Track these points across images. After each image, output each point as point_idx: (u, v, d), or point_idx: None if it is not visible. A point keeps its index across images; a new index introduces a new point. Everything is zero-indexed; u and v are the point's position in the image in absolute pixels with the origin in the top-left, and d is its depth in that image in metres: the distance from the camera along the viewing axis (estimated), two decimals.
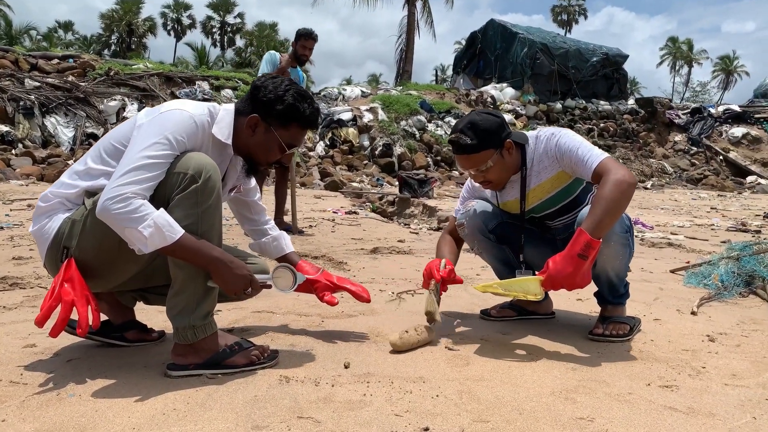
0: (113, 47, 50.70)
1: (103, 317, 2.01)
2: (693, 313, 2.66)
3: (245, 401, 1.51)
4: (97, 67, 13.84)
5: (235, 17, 56.69)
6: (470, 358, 1.92)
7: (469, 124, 2.09)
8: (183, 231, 1.57)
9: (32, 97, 11.72)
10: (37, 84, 12.25)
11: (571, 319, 2.52)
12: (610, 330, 2.17)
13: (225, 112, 1.81)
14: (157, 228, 1.52)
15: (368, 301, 2.14)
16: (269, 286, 1.82)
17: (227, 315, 2.38)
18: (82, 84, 12.84)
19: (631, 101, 22.77)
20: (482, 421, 1.43)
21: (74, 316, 1.58)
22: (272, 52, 5.40)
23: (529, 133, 2.22)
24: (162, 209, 1.56)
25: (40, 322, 1.53)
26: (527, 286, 1.90)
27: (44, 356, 1.84)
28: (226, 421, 1.40)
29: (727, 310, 2.77)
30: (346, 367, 1.80)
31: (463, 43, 27.59)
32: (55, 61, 13.99)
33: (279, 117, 1.79)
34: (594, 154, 1.99)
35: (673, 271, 3.79)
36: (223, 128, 1.78)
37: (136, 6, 51.74)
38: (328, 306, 2.57)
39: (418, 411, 1.48)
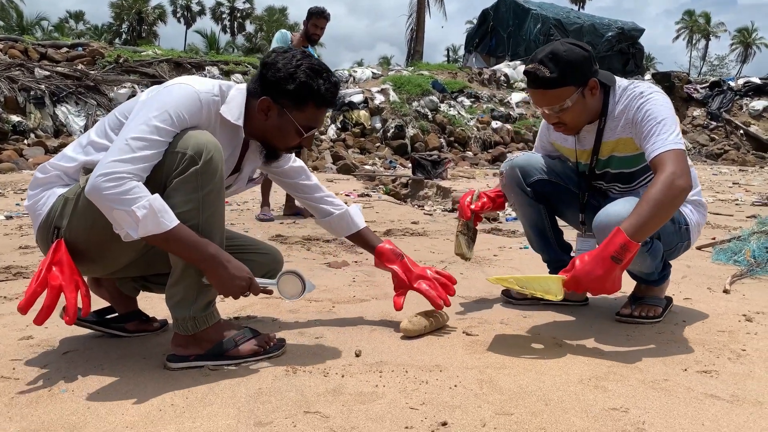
0: (124, 36, 50.65)
1: (105, 304, 1.91)
2: (725, 291, 2.51)
3: (248, 395, 1.40)
4: (106, 54, 13.75)
5: (244, 2, 56.40)
6: (489, 344, 1.80)
7: (550, 55, 1.82)
8: (178, 221, 1.44)
9: (43, 86, 11.65)
10: (47, 73, 12.16)
11: (596, 299, 2.38)
12: (639, 311, 2.03)
13: (237, 92, 1.65)
14: (152, 212, 1.39)
15: (440, 307, 1.89)
16: (271, 292, 1.67)
17: (233, 302, 2.27)
18: (92, 72, 12.75)
19: (647, 76, 22.22)
20: (505, 414, 1.31)
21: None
22: (283, 30, 5.26)
23: (620, 81, 1.97)
24: (157, 194, 1.42)
25: (23, 308, 1.41)
26: (548, 285, 1.68)
27: (40, 349, 1.75)
28: (227, 417, 1.29)
29: (761, 287, 2.61)
30: (357, 355, 1.68)
31: (475, 21, 27.15)
32: (65, 49, 13.89)
33: (292, 97, 1.61)
34: (665, 140, 1.74)
35: (699, 248, 3.62)
36: (233, 108, 1.62)
37: None
38: (339, 291, 2.48)
39: (435, 403, 1.36)
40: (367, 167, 11.74)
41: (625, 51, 22.24)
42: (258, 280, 1.60)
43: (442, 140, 14.68)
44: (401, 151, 13.78)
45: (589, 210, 2.12)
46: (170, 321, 1.92)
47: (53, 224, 1.55)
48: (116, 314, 1.91)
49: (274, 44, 5.12)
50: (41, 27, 43.86)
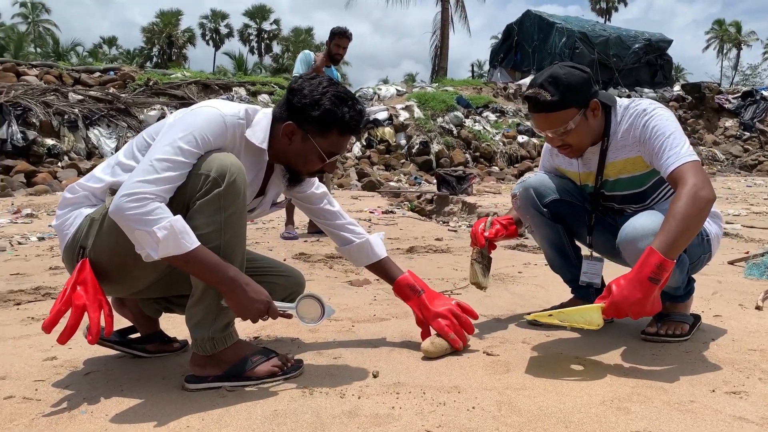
0: (155, 59, 52.04)
1: (127, 324, 1.94)
2: (758, 307, 2.42)
3: (264, 417, 1.40)
4: (136, 78, 14.14)
5: (271, 24, 57.61)
6: (510, 364, 1.77)
7: (550, 78, 1.82)
8: (199, 243, 1.45)
9: (76, 110, 12.03)
10: (81, 97, 12.57)
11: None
12: (665, 329, 1.97)
13: (263, 115, 1.67)
14: (173, 233, 1.40)
15: (459, 349, 1.86)
16: (290, 316, 1.66)
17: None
18: (123, 95, 13.13)
19: (677, 88, 21.87)
20: None
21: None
22: (306, 51, 5.32)
23: (620, 101, 1.96)
24: (179, 215, 1.44)
25: (47, 327, 1.44)
26: (590, 316, 1.61)
27: (64, 369, 1.77)
28: None
29: None
30: (374, 376, 1.67)
31: (499, 36, 27.17)
32: (97, 74, 14.35)
33: (316, 124, 1.63)
34: (679, 154, 1.72)
35: (731, 263, 3.52)
36: (258, 132, 1.64)
37: (175, 18, 53.07)
38: (359, 309, 2.47)
39: (451, 426, 1.34)
40: (392, 184, 11.76)
41: (652, 62, 21.94)
42: (277, 303, 1.61)
43: (467, 156, 14.65)
44: (426, 167, 13.79)
45: (598, 232, 2.09)
46: (190, 341, 1.94)
47: (79, 244, 1.58)
48: (138, 334, 1.93)
49: (298, 65, 5.19)
50: (76, 53, 45.48)
